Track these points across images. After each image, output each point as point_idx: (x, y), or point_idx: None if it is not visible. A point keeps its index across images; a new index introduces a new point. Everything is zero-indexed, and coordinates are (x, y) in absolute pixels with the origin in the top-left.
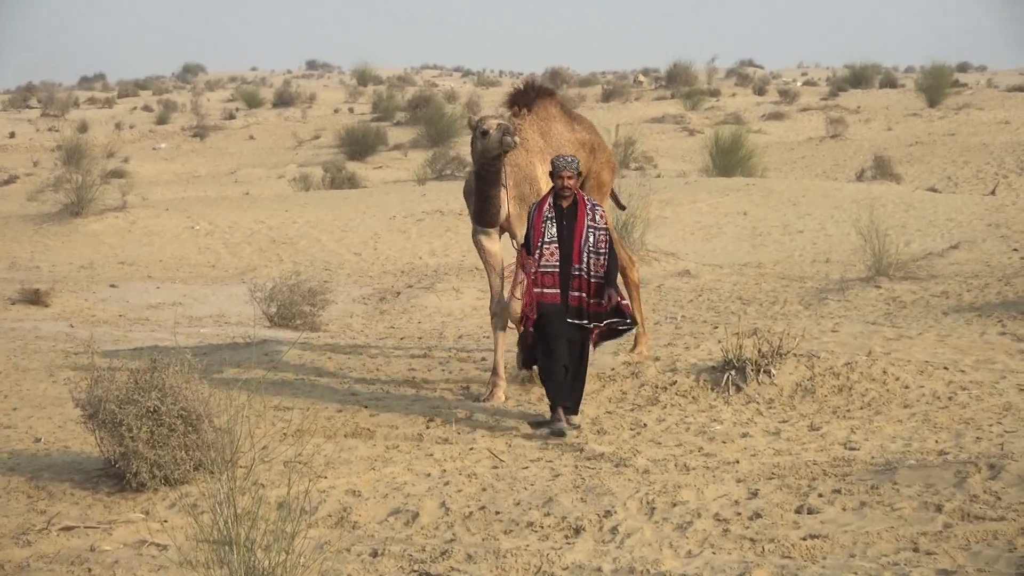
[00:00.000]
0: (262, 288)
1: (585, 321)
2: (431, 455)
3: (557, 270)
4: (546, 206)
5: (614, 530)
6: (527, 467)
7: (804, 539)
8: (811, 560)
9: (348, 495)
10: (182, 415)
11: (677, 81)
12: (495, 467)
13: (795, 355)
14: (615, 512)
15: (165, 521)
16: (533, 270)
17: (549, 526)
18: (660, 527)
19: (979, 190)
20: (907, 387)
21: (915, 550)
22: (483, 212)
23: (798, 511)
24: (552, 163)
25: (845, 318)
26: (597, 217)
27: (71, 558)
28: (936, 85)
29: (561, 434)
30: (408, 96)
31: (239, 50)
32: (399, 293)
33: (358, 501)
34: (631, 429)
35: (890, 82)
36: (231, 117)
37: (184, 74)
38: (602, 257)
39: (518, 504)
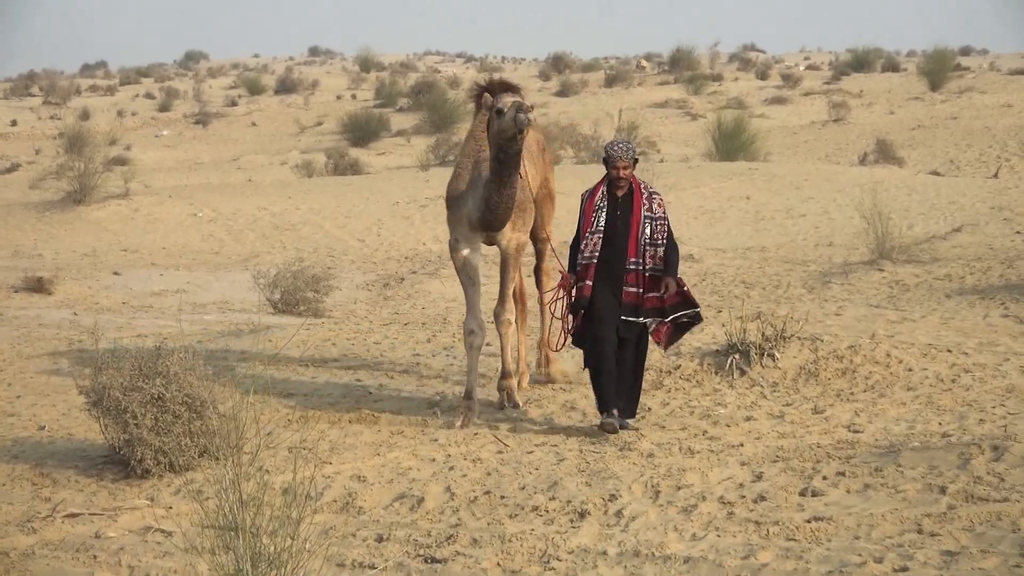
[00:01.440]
0: (265, 275)
1: (641, 318)
2: (436, 440)
3: (595, 262)
4: (599, 194)
5: (619, 514)
6: (532, 451)
7: (808, 521)
8: (815, 542)
9: (353, 480)
10: (186, 402)
11: (680, 66)
12: (500, 452)
13: (799, 338)
14: (620, 496)
15: (170, 507)
16: (572, 285)
17: (554, 510)
18: (665, 510)
19: (982, 173)
20: (910, 370)
21: (919, 532)
22: (495, 208)
23: (802, 494)
24: (606, 151)
25: (848, 301)
26: (655, 206)
27: (76, 545)
28: (938, 69)
29: (612, 429)
30: (411, 82)
31: (241, 37)
32: (403, 279)
33: (363, 486)
34: (639, 415)
35: (892, 66)
36: (233, 104)
37: (186, 61)
38: (659, 249)
39: (523, 488)
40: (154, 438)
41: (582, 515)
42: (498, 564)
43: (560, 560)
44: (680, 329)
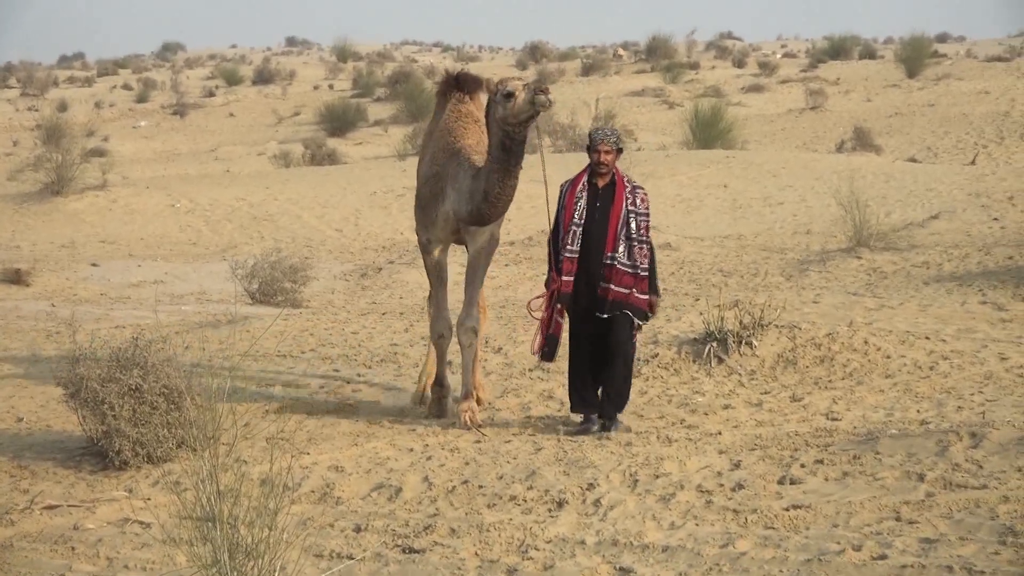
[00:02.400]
0: (243, 265)
1: (627, 312)
2: (413, 430)
3: (577, 256)
4: (580, 184)
5: (597, 503)
6: (509, 441)
7: (787, 509)
8: (794, 530)
9: (331, 471)
10: (164, 393)
11: (657, 54)
12: (478, 441)
13: (776, 326)
14: (598, 485)
15: (148, 499)
16: (555, 284)
17: (532, 499)
18: (643, 499)
19: (959, 160)
20: (888, 357)
21: (897, 519)
22: (496, 201)
23: (781, 482)
24: (589, 135)
25: (826, 289)
26: (638, 200)
27: (54, 537)
28: (915, 56)
29: (586, 433)
30: (388, 72)
31: (218, 28)
32: (380, 269)
33: (341, 477)
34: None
35: (869, 53)
36: (211, 95)
37: (163, 52)
38: (645, 247)
39: (501, 478)
40: (132, 429)
41: (560, 504)
42: (476, 554)
43: (538, 550)
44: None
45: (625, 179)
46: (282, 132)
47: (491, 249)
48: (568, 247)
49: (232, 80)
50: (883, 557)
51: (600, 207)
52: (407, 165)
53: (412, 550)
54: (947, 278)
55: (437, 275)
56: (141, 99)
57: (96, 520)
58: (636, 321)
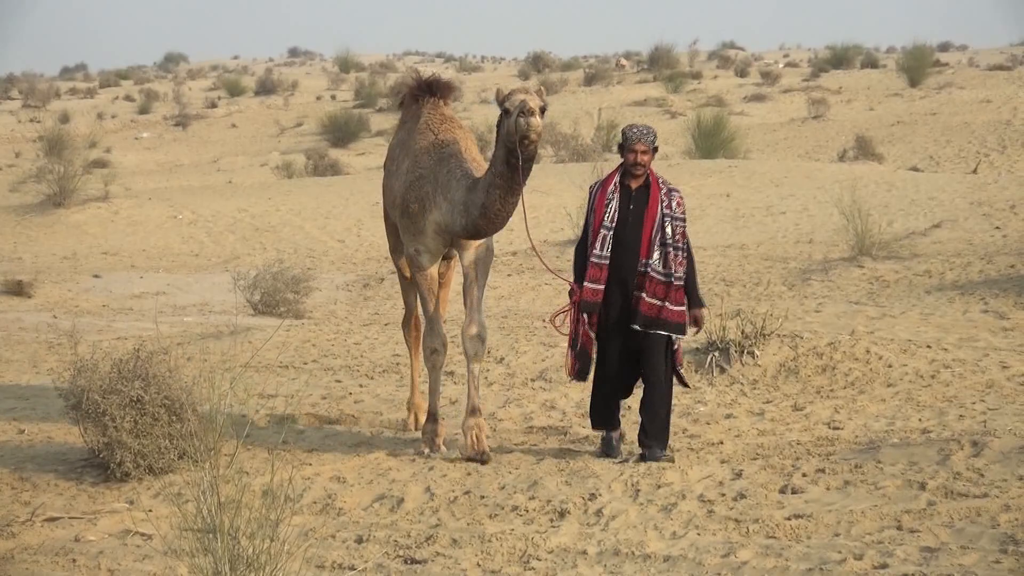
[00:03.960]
0: (245, 276)
1: (660, 331)
2: (416, 440)
3: (606, 263)
4: (611, 185)
5: (599, 513)
6: (511, 451)
7: (788, 519)
8: (796, 540)
9: (333, 481)
10: (165, 404)
11: (659, 64)
12: (478, 461)
13: (778, 336)
14: (600, 495)
15: (150, 510)
16: (576, 294)
17: (534, 510)
18: (645, 509)
19: (961, 169)
20: (890, 366)
21: (899, 528)
22: (495, 217)
23: (782, 491)
24: (623, 133)
25: (828, 298)
26: (674, 204)
27: (56, 549)
28: (917, 65)
29: (608, 457)
30: (390, 82)
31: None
32: (383, 279)
33: (343, 487)
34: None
35: (871, 62)
36: (213, 106)
37: (166, 63)
38: (681, 254)
39: (503, 488)
40: (133, 441)
41: (562, 514)
42: (478, 564)
43: (540, 560)
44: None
45: (660, 180)
46: (284, 143)
47: (487, 259)
48: (596, 252)
49: (234, 91)
50: (884, 566)
51: (633, 210)
52: None
53: (414, 560)
54: (949, 287)
55: (428, 287)
56: (143, 110)
57: (97, 532)
58: (673, 337)
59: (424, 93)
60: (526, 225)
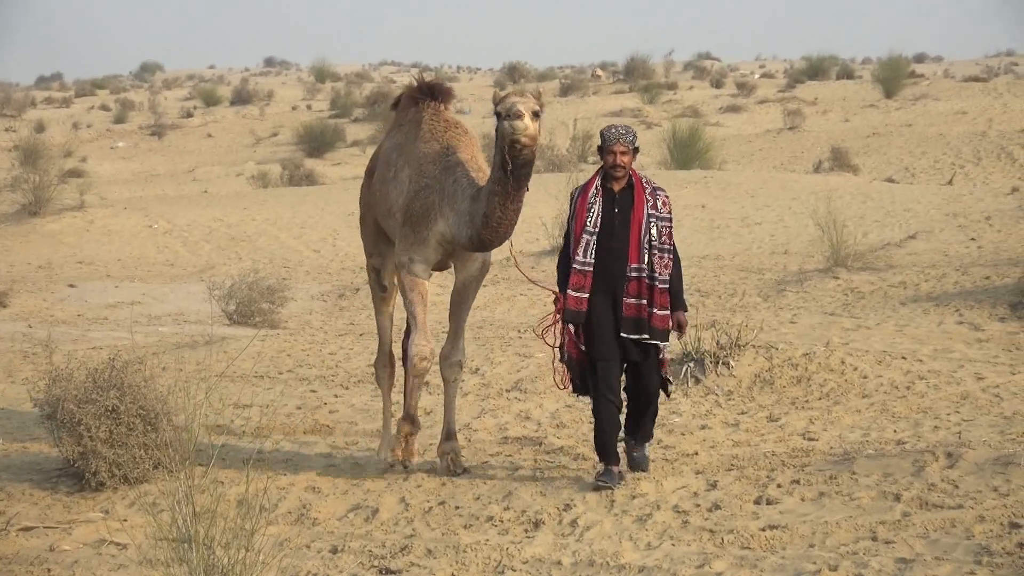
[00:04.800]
0: (221, 286)
1: (646, 336)
2: (391, 451)
3: (590, 270)
4: (592, 189)
5: (574, 523)
6: (486, 461)
7: (763, 530)
8: (770, 550)
9: (307, 492)
10: (140, 414)
11: (635, 75)
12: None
13: (754, 346)
14: (574, 505)
15: (125, 520)
16: (560, 304)
17: (509, 520)
18: (619, 519)
19: (936, 180)
20: (865, 377)
21: (874, 539)
22: (497, 226)
23: (757, 502)
24: (601, 134)
25: (803, 309)
26: (659, 204)
27: (30, 558)
28: (893, 76)
29: (606, 485)
30: (366, 92)
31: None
32: (358, 289)
33: (317, 497)
34: (590, 422)
35: (847, 73)
36: (189, 115)
37: (141, 73)
38: (667, 256)
39: (478, 498)
40: (108, 450)
41: (536, 525)
42: (453, 575)
43: (515, 570)
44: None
45: (644, 180)
46: (260, 153)
47: (482, 275)
48: (579, 258)
49: (210, 101)
50: None
51: (619, 214)
52: None
53: (388, 571)
54: (924, 298)
55: (419, 294)
56: (119, 120)
57: (72, 542)
58: (660, 344)
59: (424, 97)
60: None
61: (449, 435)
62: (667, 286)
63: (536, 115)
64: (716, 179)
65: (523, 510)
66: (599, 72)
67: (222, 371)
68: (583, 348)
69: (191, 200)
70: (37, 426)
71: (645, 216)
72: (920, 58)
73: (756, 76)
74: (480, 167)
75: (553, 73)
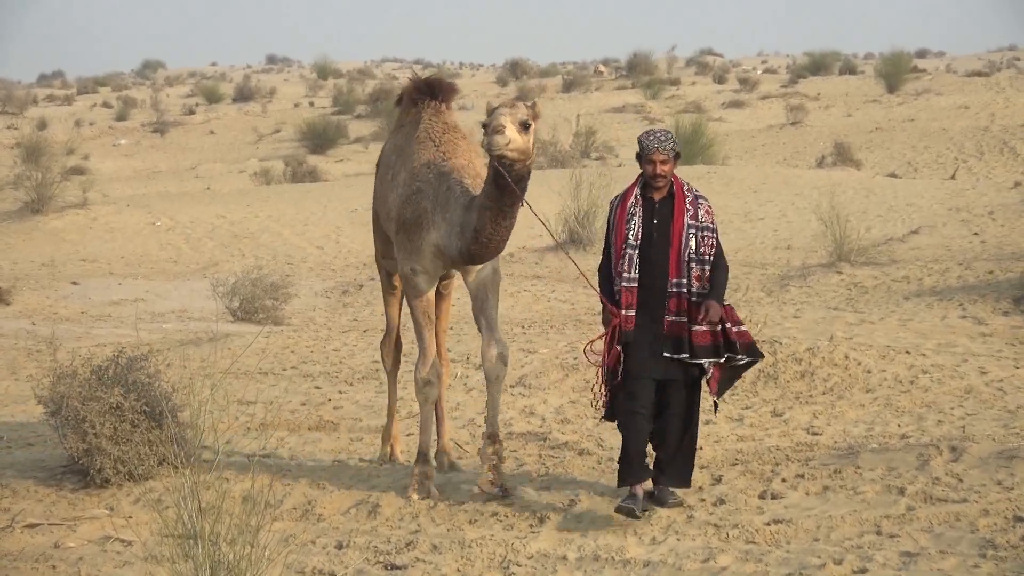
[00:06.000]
0: (224, 283)
1: (686, 355)
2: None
3: (636, 285)
4: (631, 199)
5: (579, 518)
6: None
7: (768, 524)
8: (775, 545)
9: (312, 487)
10: (145, 410)
11: (637, 71)
12: (459, 457)
13: (757, 341)
14: (579, 500)
15: (130, 517)
16: (615, 319)
17: (513, 515)
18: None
19: (939, 175)
20: (869, 372)
21: (878, 533)
22: (487, 242)
23: (762, 496)
24: (639, 142)
25: (807, 304)
26: (701, 213)
27: (36, 555)
28: (895, 71)
29: (632, 514)
30: (368, 89)
31: (199, 46)
32: (361, 286)
33: (322, 493)
34: (594, 418)
35: (849, 69)
36: (191, 113)
37: (143, 70)
38: (706, 267)
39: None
40: (113, 447)
41: (541, 520)
42: (458, 570)
43: (520, 566)
44: (735, 371)
45: (685, 188)
46: (263, 149)
47: (495, 280)
48: (625, 275)
49: (212, 98)
50: (864, 571)
51: (658, 225)
52: None
53: (394, 566)
54: (927, 293)
55: (424, 311)
56: (121, 117)
57: (77, 538)
58: (707, 363)
59: (424, 95)
60: (553, 237)
61: (493, 437)
62: (701, 299)
63: (525, 126)
64: (719, 174)
65: (528, 505)
66: (601, 68)
67: (226, 368)
68: (622, 369)
69: (194, 197)
70: (42, 423)
71: (684, 227)
72: (922, 53)
73: (759, 72)
74: (477, 173)
75: (555, 69)
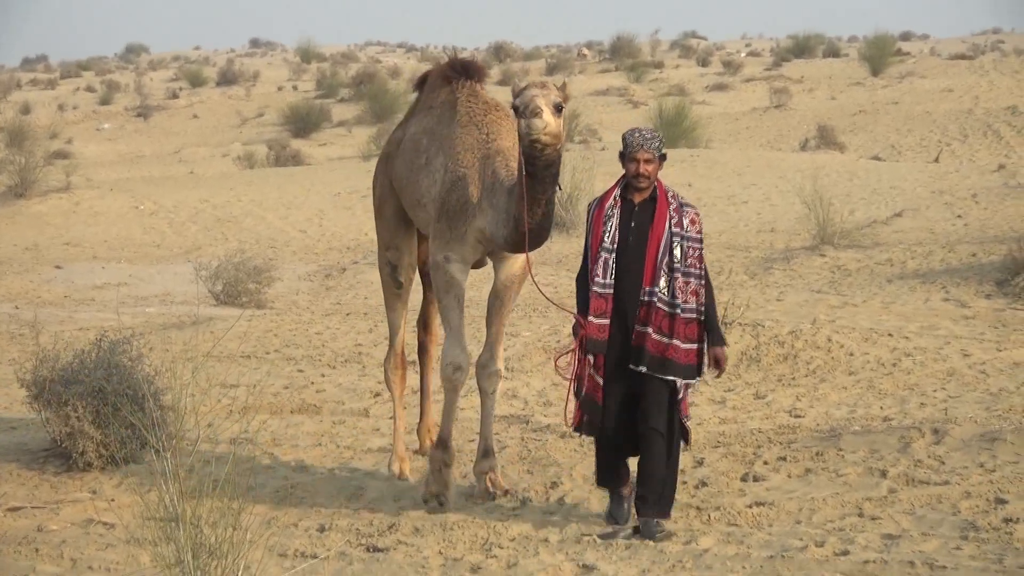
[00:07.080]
0: (207, 267)
1: (644, 368)
2: (377, 430)
3: (611, 292)
4: (609, 201)
5: (560, 501)
6: (473, 439)
7: (750, 506)
8: (757, 527)
9: (295, 471)
10: (127, 394)
11: (621, 54)
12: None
13: (740, 324)
14: (561, 483)
15: (112, 500)
16: (582, 330)
17: (496, 497)
18: (606, 497)
19: (922, 158)
20: (852, 354)
21: (860, 515)
22: (527, 231)
23: (744, 479)
24: (623, 139)
25: (790, 287)
26: (686, 222)
27: (18, 538)
28: (879, 54)
29: (613, 524)
30: (352, 73)
31: (182, 29)
32: (345, 269)
33: (305, 476)
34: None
35: (833, 52)
36: (175, 96)
37: (127, 54)
38: (693, 281)
39: (465, 476)
40: (95, 431)
41: (523, 502)
42: (440, 552)
43: (502, 548)
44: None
45: (669, 194)
46: (246, 133)
47: (525, 275)
48: (598, 279)
49: (196, 82)
50: (845, 553)
51: (635, 228)
52: (371, 166)
53: (376, 549)
54: (910, 275)
55: (455, 296)
56: (104, 101)
57: (60, 521)
58: (679, 382)
59: (458, 75)
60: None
61: (487, 452)
62: (693, 316)
63: (559, 109)
64: (703, 157)
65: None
66: (585, 51)
67: (209, 351)
68: (600, 380)
69: (177, 181)
70: (24, 406)
71: (667, 233)
72: (906, 36)
73: (742, 55)
74: (505, 164)
75: (539, 52)
